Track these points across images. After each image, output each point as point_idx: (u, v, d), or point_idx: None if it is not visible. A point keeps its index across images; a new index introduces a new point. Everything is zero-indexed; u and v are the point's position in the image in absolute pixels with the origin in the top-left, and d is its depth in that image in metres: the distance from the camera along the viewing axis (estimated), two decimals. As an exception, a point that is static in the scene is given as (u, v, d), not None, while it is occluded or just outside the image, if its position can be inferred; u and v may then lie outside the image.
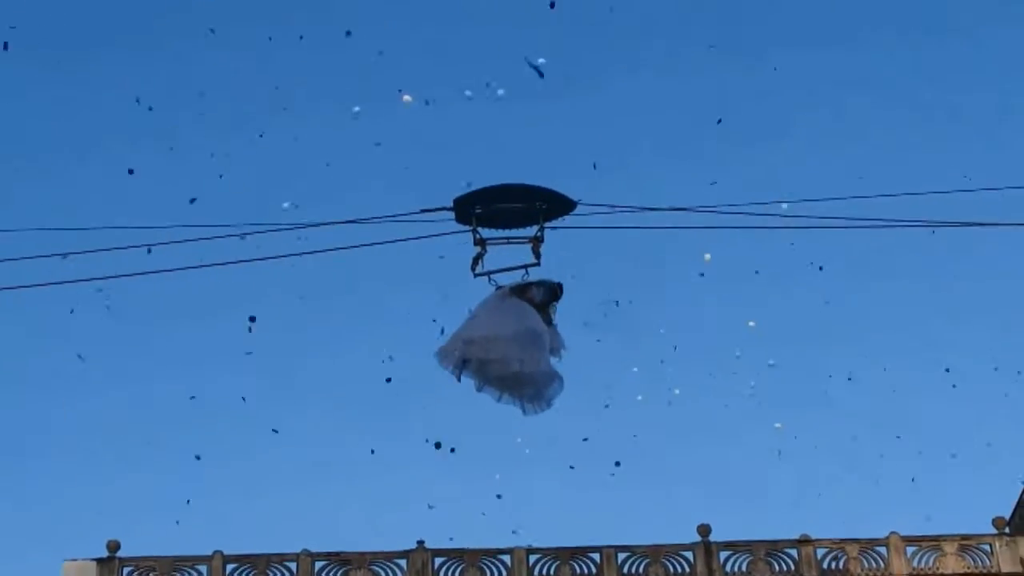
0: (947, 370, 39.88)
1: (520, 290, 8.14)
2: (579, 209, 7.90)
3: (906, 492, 43.46)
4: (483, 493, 44.13)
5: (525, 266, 8.10)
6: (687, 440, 46.62)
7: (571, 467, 28.86)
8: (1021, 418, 47.48)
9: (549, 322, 8.23)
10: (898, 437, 37.28)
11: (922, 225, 9.03)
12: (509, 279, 8.16)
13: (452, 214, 7.92)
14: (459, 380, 8.19)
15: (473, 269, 8.04)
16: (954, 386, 44.87)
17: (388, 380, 26.70)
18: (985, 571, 26.05)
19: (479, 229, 7.87)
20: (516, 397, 8.32)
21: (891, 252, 42.96)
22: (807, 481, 44.04)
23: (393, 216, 7.67)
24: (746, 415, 43.15)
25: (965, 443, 47.92)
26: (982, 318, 47.09)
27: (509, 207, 7.77)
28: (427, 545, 26.32)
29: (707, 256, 24.24)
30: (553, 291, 8.23)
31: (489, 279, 8.13)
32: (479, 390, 8.27)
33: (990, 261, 45.70)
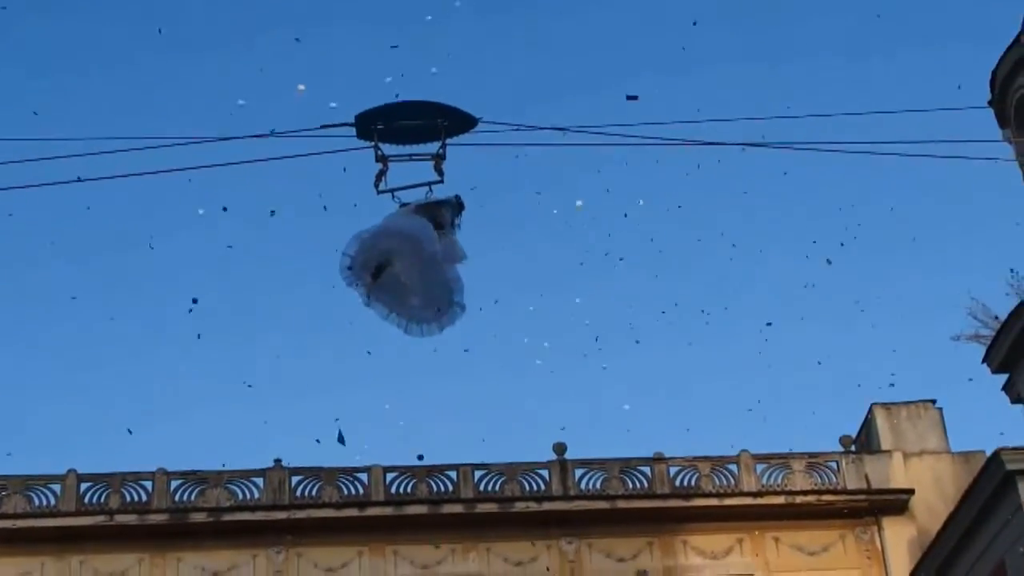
0: (806, 285, 40.77)
1: (425, 209, 8.15)
2: (481, 126, 7.93)
3: (758, 412, 44.49)
4: (338, 413, 44.26)
5: (428, 183, 8.12)
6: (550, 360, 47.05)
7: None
8: (869, 340, 48.62)
9: (451, 236, 8.24)
10: (759, 353, 38.06)
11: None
12: (413, 196, 8.15)
13: (354, 130, 7.89)
14: (367, 302, 8.19)
15: (376, 186, 8.05)
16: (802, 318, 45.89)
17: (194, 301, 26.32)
18: (831, 488, 26.79)
19: (381, 146, 7.84)
20: (404, 317, 8.35)
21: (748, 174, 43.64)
22: (663, 402, 44.84)
23: (295, 132, 7.65)
24: (610, 334, 43.63)
25: (816, 364, 49.07)
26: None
27: (411, 124, 7.76)
28: (284, 463, 26.36)
29: (579, 203, 24.37)
30: (456, 206, 8.26)
31: (393, 196, 8.15)
32: (367, 305, 8.30)
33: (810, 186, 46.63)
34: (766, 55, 49.53)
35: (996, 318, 24.15)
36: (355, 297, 8.24)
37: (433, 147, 7.88)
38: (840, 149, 9.37)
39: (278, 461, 26.42)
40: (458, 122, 7.81)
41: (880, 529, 26.47)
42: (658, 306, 47.02)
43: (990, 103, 24.01)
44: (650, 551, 26.18)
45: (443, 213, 8.17)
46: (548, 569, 25.77)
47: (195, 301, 22.36)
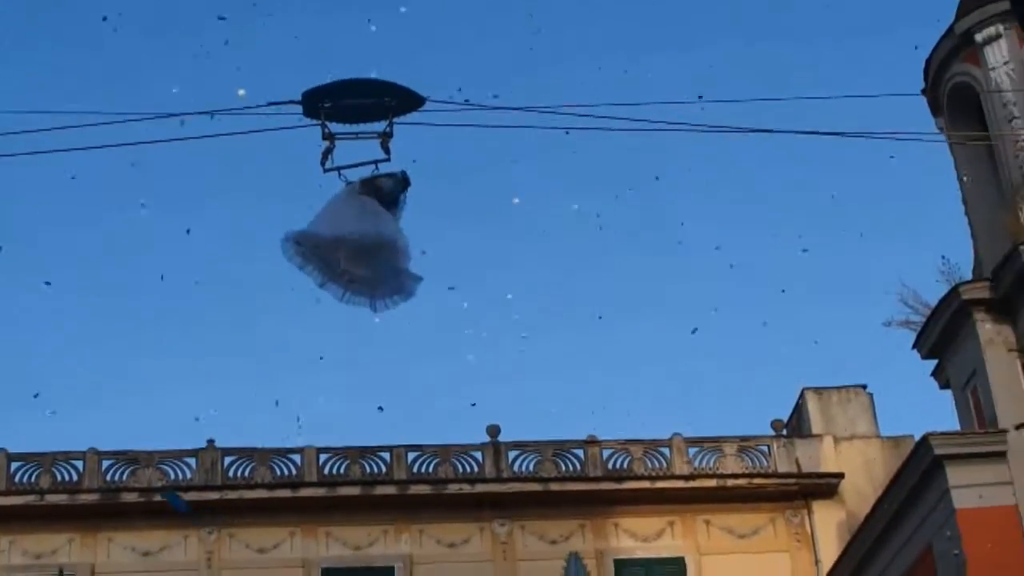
0: (732, 265, 41.00)
1: (371, 185, 8.16)
2: (428, 106, 7.96)
3: (691, 395, 44.80)
4: (273, 395, 44.20)
5: (375, 161, 8.15)
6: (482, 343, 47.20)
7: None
8: (803, 324, 49.06)
9: (396, 213, 8.27)
10: (694, 331, 38.29)
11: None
12: (359, 174, 8.17)
13: (300, 108, 7.89)
14: (307, 272, 8.20)
15: (323, 164, 8.06)
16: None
17: (196, 282, 26.49)
18: (762, 471, 27.05)
19: (328, 123, 7.86)
20: (365, 295, 8.36)
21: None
22: (597, 385, 45.09)
23: (241, 109, 7.65)
24: (544, 319, 43.90)
25: (748, 348, 49.39)
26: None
27: (358, 102, 7.78)
28: (217, 444, 26.30)
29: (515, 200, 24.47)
30: (401, 182, 8.28)
31: (339, 174, 8.16)
32: (321, 286, 8.31)
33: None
34: (707, 39, 49.78)
35: (927, 305, 24.41)
36: (295, 277, 8.28)
37: (380, 125, 7.91)
38: (767, 129, 9.47)
39: (211, 442, 26.38)
40: (405, 101, 7.85)
41: (810, 512, 26.78)
42: (593, 290, 47.26)
43: (924, 91, 24.29)
44: (582, 533, 26.37)
45: (389, 189, 8.20)
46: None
47: (48, 283, 22.20)
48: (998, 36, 22.99)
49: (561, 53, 49.19)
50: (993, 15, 22.99)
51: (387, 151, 8.08)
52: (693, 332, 39.11)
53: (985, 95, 23.14)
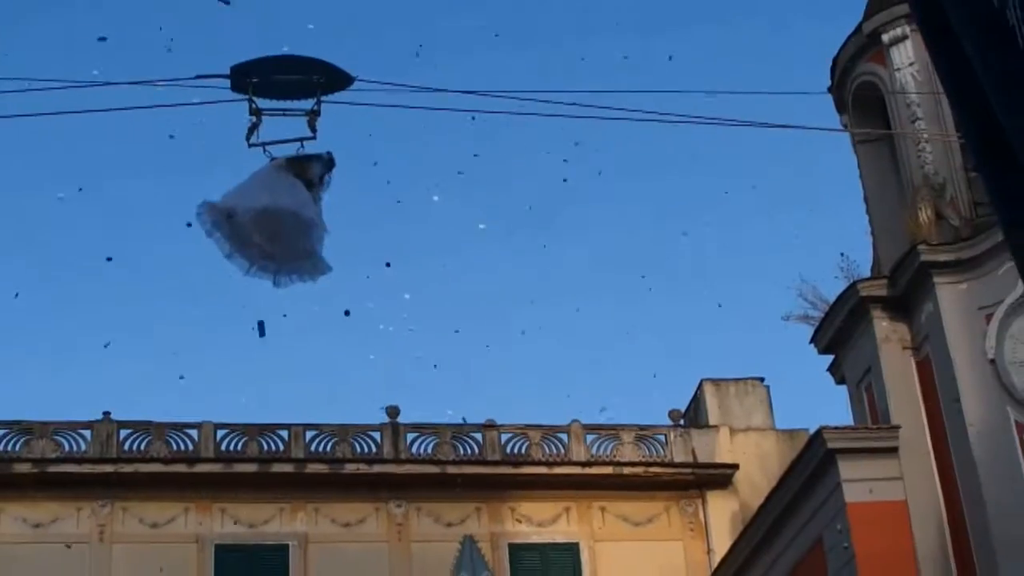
0: (643, 276, 41.26)
1: (296, 163, 8.22)
2: (357, 85, 8.03)
3: (590, 383, 45.17)
4: (175, 370, 43.99)
5: (301, 139, 8.21)
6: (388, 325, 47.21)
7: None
8: (704, 315, 49.58)
9: (319, 194, 8.32)
10: (578, 310, 38.69)
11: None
12: (284, 151, 8.22)
13: (228, 82, 7.94)
14: (226, 253, 8.23)
15: (248, 139, 8.11)
16: (650, 289, 46.60)
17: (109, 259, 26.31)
18: (659, 460, 27.35)
19: (255, 99, 7.91)
20: (270, 270, 8.40)
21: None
22: (497, 368, 45.29)
23: (168, 80, 7.70)
24: (450, 306, 44.00)
25: (649, 338, 49.83)
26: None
27: (286, 78, 7.85)
28: (113, 416, 26.15)
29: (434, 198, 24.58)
30: (327, 163, 8.35)
31: (264, 150, 8.22)
32: (228, 257, 8.34)
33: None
34: (631, 24, 49.98)
35: (825, 300, 24.85)
36: (207, 253, 8.33)
37: (308, 103, 7.98)
38: (667, 119, 9.64)
39: (107, 413, 26.21)
40: (334, 79, 7.92)
41: (704, 502, 27.12)
42: (496, 278, 47.44)
43: (830, 89, 24.67)
44: (478, 517, 26.52)
45: (313, 169, 8.27)
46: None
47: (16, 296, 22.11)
48: (904, 37, 23.40)
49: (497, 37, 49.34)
50: (900, 16, 23.39)
51: (313, 129, 8.14)
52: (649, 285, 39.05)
53: (890, 95, 23.56)
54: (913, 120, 23.02)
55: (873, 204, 24.48)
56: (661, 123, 10.13)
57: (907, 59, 23.39)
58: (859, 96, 24.45)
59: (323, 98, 7.97)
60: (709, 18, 53.15)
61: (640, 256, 48.15)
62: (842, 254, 25.69)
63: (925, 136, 22.69)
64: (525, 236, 47.01)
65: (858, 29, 24.40)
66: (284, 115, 8.04)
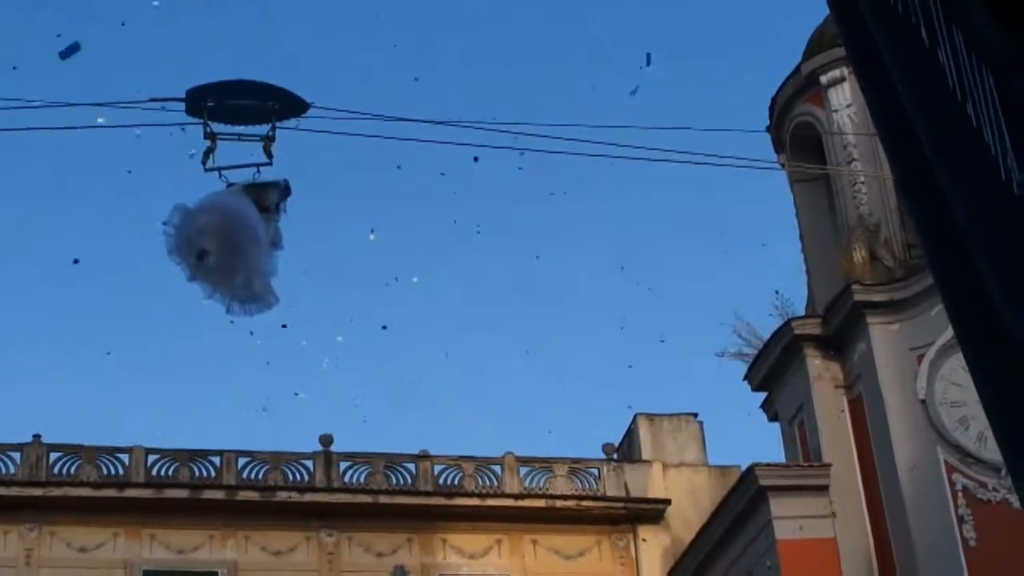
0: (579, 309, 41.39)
1: (253, 190, 8.27)
2: (312, 112, 8.10)
3: (526, 415, 45.32)
4: (106, 392, 43.75)
5: (257, 164, 8.25)
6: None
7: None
8: (639, 351, 49.82)
9: (274, 220, 8.38)
10: (527, 355, 38.86)
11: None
12: (241, 176, 8.27)
13: (183, 106, 7.99)
14: (189, 276, 8.26)
15: (203, 163, 8.15)
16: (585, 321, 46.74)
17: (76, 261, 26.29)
18: (592, 494, 27.43)
19: (210, 123, 7.95)
20: (227, 296, 8.45)
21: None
22: (432, 400, 45.33)
23: (123, 103, 7.75)
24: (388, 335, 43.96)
25: (583, 373, 50.06)
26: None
27: (241, 103, 7.90)
28: (43, 439, 25.97)
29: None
30: (284, 190, 8.41)
31: (220, 174, 8.26)
32: (190, 280, 8.39)
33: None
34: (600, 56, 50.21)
35: (759, 338, 25.08)
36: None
37: (263, 129, 8.04)
38: (611, 154, 9.82)
39: (37, 436, 26.02)
40: (289, 105, 7.99)
41: (636, 536, 27.20)
42: (432, 307, 47.47)
43: (768, 129, 25.00)
44: (409, 547, 26.48)
45: (269, 196, 8.32)
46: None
47: None
48: (842, 79, 23.77)
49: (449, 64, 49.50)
50: (839, 58, 23.75)
51: (269, 155, 8.19)
52: (526, 353, 39.55)
53: (827, 136, 23.91)
54: (849, 161, 23.38)
55: (808, 243, 24.80)
56: (604, 158, 10.31)
57: (844, 101, 23.77)
58: (797, 136, 24.81)
59: (278, 124, 8.03)
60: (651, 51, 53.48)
61: (577, 289, 48.38)
62: (777, 292, 25.93)
63: (860, 177, 23.04)
64: (459, 262, 47.14)
65: (797, 70, 24.76)
66: (239, 140, 8.10)
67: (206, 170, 8.15)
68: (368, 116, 8.04)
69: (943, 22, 4.41)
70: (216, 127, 7.99)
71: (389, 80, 43.95)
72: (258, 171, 8.29)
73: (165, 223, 8.25)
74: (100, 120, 8.12)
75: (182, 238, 8.19)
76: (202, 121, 7.94)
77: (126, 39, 47.29)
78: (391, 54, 49.79)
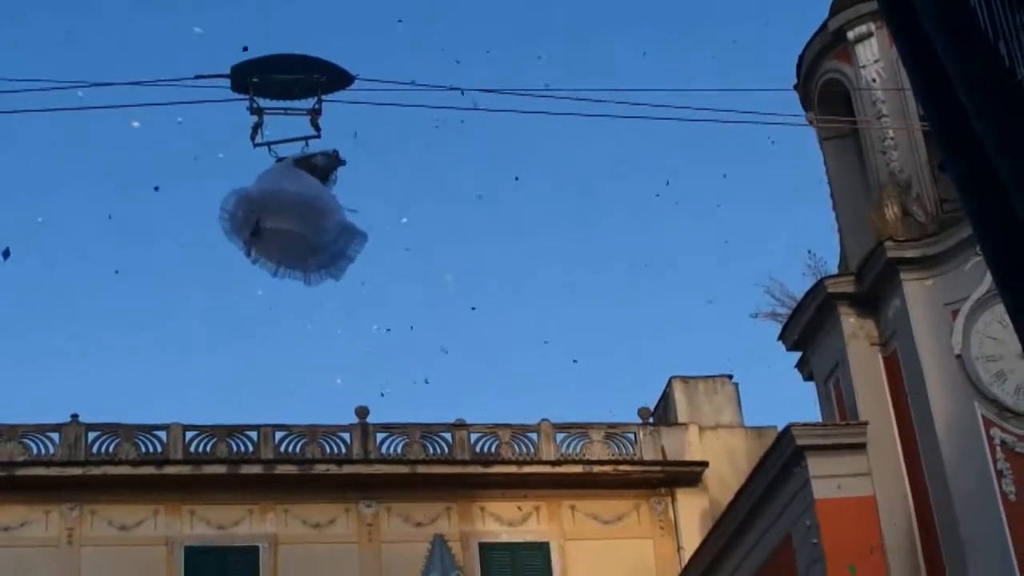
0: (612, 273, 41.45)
1: (303, 162, 8.37)
2: (358, 84, 8.20)
3: (562, 381, 45.52)
4: (141, 371, 44.12)
5: (305, 138, 8.35)
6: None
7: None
8: (673, 313, 49.90)
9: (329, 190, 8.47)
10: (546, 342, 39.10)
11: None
12: (289, 150, 8.37)
13: (228, 82, 8.09)
14: (248, 254, 8.38)
15: (252, 139, 8.25)
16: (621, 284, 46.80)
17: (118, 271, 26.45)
18: (628, 458, 27.59)
19: (256, 98, 8.05)
20: (299, 268, 8.53)
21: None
22: (467, 369, 45.57)
23: (168, 80, 7.87)
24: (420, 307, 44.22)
25: (618, 336, 50.25)
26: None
27: (286, 78, 8.00)
28: (81, 419, 26.25)
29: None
30: (334, 159, 8.50)
31: (269, 149, 8.38)
32: (254, 262, 8.48)
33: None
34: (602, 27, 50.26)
35: (793, 297, 25.15)
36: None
37: (309, 102, 8.15)
38: (643, 115, 9.93)
39: (75, 416, 26.31)
40: (334, 78, 8.10)
41: (674, 500, 27.38)
42: (466, 276, 47.68)
43: (796, 87, 24.99)
44: (448, 516, 26.73)
45: (322, 166, 8.42)
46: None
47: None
48: (870, 34, 23.75)
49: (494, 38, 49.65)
50: (865, 13, 23.74)
51: (317, 128, 8.29)
52: (544, 343, 39.54)
53: (855, 92, 23.91)
54: (879, 117, 23.38)
55: (840, 201, 24.82)
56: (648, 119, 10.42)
57: (872, 56, 23.75)
58: (825, 93, 24.80)
59: (324, 96, 8.12)
60: (676, 19, 53.52)
61: (608, 254, 48.49)
62: (809, 251, 25.99)
63: (891, 132, 23.04)
64: (491, 232, 47.31)
65: (823, 26, 24.74)
66: (285, 114, 8.21)
67: (255, 145, 8.26)
68: (416, 87, 8.15)
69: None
70: (262, 102, 8.09)
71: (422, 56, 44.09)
72: (306, 144, 8.41)
73: (221, 207, 8.38)
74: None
75: (237, 221, 8.30)
76: (248, 97, 8.05)
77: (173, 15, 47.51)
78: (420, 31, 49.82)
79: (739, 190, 50.49)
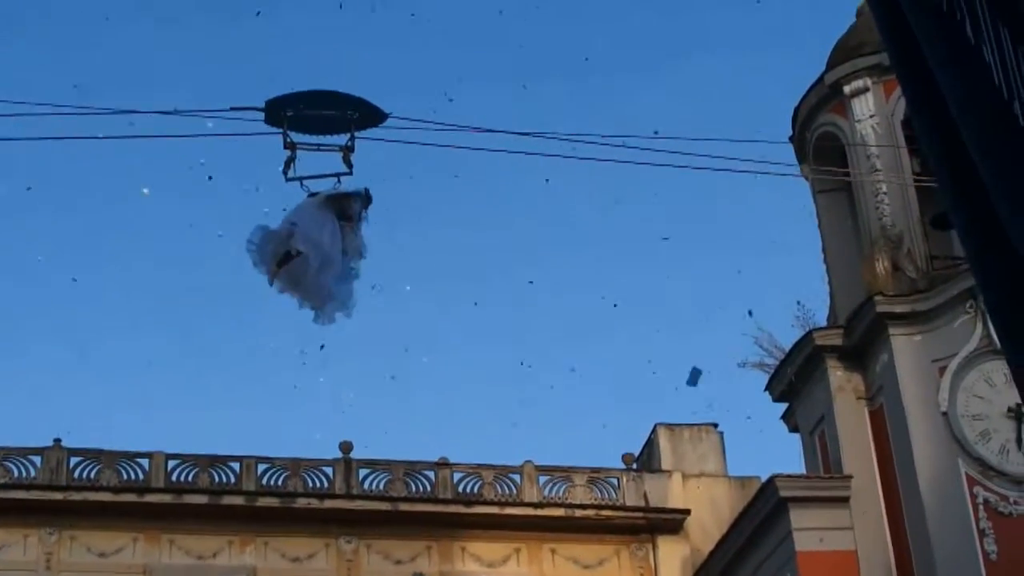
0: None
1: (334, 200, 8.57)
2: (390, 122, 8.42)
3: (546, 424, 45.62)
4: (126, 397, 44.22)
5: (337, 174, 8.56)
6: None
7: None
8: (660, 360, 50.11)
9: (356, 230, 8.68)
10: (523, 364, 39.20)
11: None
12: (322, 185, 8.57)
13: (262, 115, 8.30)
14: (271, 283, 8.61)
15: (285, 173, 8.46)
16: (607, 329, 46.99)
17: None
18: (610, 503, 27.74)
19: (290, 133, 8.25)
20: (311, 306, 8.78)
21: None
22: (450, 407, 45.68)
23: (202, 112, 8.09)
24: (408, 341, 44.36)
25: (605, 381, 50.43)
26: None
27: (320, 113, 8.21)
28: (64, 444, 26.35)
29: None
30: (365, 199, 8.72)
31: (301, 184, 8.57)
32: (281, 292, 8.70)
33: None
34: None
35: (781, 348, 25.44)
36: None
37: (342, 139, 8.36)
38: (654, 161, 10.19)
39: (57, 441, 26.41)
40: (367, 115, 8.31)
41: (655, 547, 27.50)
42: (455, 316, 47.87)
43: (791, 139, 25.33)
44: (428, 555, 26.83)
45: (351, 205, 8.64)
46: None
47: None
48: (866, 89, 24.14)
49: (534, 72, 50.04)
50: (862, 68, 24.17)
51: (349, 165, 8.48)
52: (572, 370, 39.91)
53: (850, 147, 24.26)
54: (872, 171, 23.69)
55: (831, 254, 25.13)
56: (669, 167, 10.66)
57: (868, 111, 24.12)
58: (819, 146, 25.16)
59: (357, 133, 8.33)
60: (672, 63, 54.02)
61: (599, 296, 48.79)
62: (798, 303, 26.35)
63: (884, 187, 23.36)
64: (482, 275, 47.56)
65: (820, 80, 25.11)
66: (318, 150, 8.40)
67: (287, 179, 8.47)
68: (444, 126, 8.38)
69: (988, 17, 4.53)
70: (295, 137, 8.29)
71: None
72: (339, 181, 8.61)
73: (249, 240, 8.60)
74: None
75: (265, 254, 8.51)
76: (281, 131, 8.25)
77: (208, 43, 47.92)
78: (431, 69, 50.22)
79: (733, 239, 50.79)
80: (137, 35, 48.41)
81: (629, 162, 9.96)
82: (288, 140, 8.32)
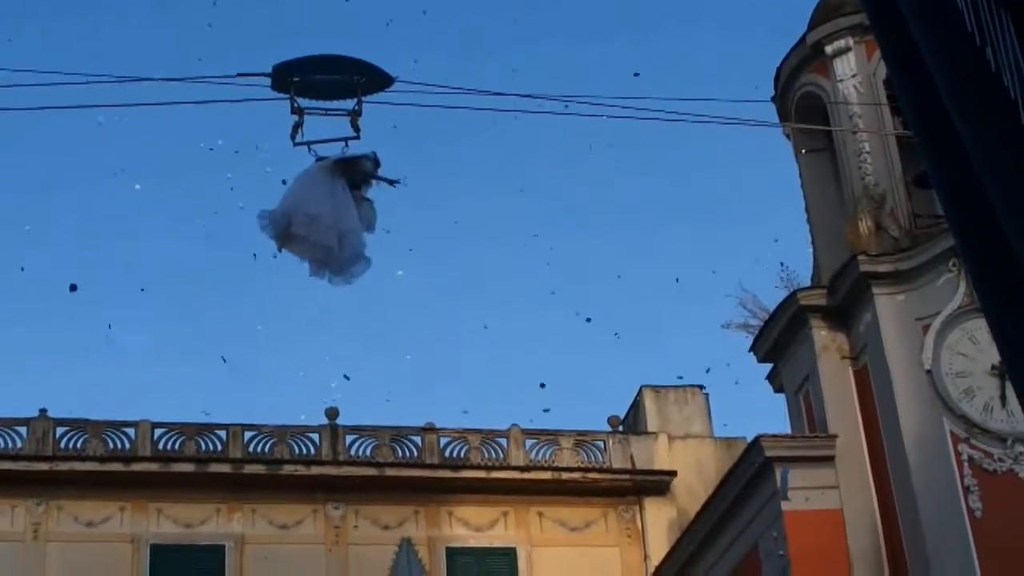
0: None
1: (342, 164, 8.72)
2: (397, 86, 8.55)
3: (531, 387, 45.90)
4: (113, 366, 44.34)
5: (345, 139, 8.69)
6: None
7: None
8: (646, 322, 50.32)
9: (364, 194, 8.83)
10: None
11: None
12: (329, 150, 8.71)
13: (269, 81, 8.43)
14: (279, 250, 8.76)
15: (292, 138, 8.59)
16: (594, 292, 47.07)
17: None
18: (597, 466, 27.99)
19: (297, 98, 8.39)
20: (324, 270, 8.92)
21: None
22: (435, 372, 45.90)
23: (209, 77, 8.21)
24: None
25: (590, 344, 50.68)
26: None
27: (327, 78, 8.34)
28: (50, 414, 26.48)
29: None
30: (373, 163, 8.86)
31: (309, 149, 8.71)
32: (280, 251, 8.84)
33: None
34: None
35: (765, 309, 25.63)
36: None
37: (349, 103, 8.50)
38: (615, 115, 10.32)
39: (43, 411, 26.56)
40: (374, 79, 8.46)
41: (641, 509, 27.79)
42: (442, 280, 47.99)
43: (773, 99, 25.48)
44: (416, 520, 27.06)
45: (359, 168, 8.78)
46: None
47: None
48: (847, 49, 24.27)
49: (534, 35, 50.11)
50: (844, 28, 24.30)
51: (356, 129, 8.62)
52: (585, 317, 40.07)
53: (832, 106, 24.41)
54: (855, 131, 23.83)
55: (814, 214, 25.29)
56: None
57: (850, 71, 24.25)
58: (802, 106, 25.30)
59: (364, 98, 8.46)
60: (664, 25, 54.18)
61: (584, 260, 48.99)
62: (782, 264, 26.52)
63: (866, 146, 23.53)
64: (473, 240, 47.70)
65: (801, 40, 25.24)
66: (326, 115, 8.55)
67: (295, 144, 8.61)
68: (454, 90, 8.50)
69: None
70: (302, 102, 8.43)
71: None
72: (346, 145, 8.75)
73: (259, 216, 8.76)
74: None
75: (277, 226, 8.65)
76: (288, 96, 8.39)
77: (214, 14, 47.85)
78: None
79: (716, 201, 51.03)
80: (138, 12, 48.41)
81: (617, 117, 10.12)
82: (295, 105, 8.46)
